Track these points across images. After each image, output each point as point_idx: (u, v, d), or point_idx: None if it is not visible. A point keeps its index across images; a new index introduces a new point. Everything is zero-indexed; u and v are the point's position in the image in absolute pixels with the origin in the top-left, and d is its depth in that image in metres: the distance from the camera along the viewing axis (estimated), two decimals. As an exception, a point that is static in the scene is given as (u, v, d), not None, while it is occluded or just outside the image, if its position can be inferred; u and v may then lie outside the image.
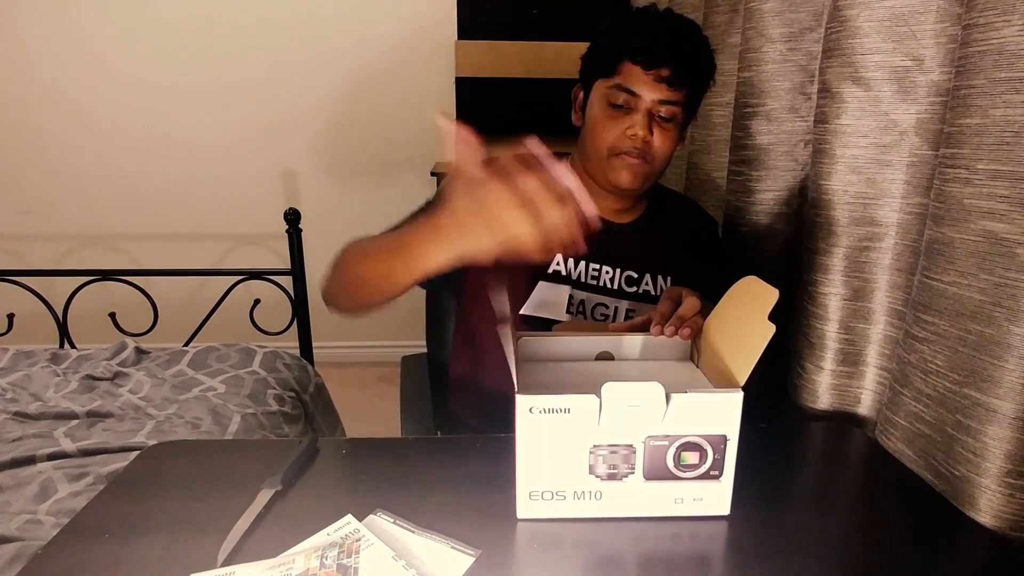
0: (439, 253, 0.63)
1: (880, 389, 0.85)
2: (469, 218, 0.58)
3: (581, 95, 0.96)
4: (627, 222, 0.99)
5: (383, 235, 0.80)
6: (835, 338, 0.87)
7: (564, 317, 0.94)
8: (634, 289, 0.97)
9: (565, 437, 0.59)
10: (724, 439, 0.60)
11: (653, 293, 0.97)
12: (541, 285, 0.94)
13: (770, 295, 0.62)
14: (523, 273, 0.94)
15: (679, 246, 1.01)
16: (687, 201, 1.12)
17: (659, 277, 0.98)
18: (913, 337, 0.72)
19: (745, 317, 0.65)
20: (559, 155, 1.05)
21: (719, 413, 0.59)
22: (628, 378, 0.63)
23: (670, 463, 0.61)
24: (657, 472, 0.61)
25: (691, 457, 0.61)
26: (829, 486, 0.73)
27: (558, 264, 0.95)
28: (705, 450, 0.60)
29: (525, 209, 0.55)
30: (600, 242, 0.95)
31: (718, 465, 0.61)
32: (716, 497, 0.62)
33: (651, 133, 0.88)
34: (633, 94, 0.87)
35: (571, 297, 0.94)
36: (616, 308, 0.96)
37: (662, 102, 0.87)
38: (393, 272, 0.70)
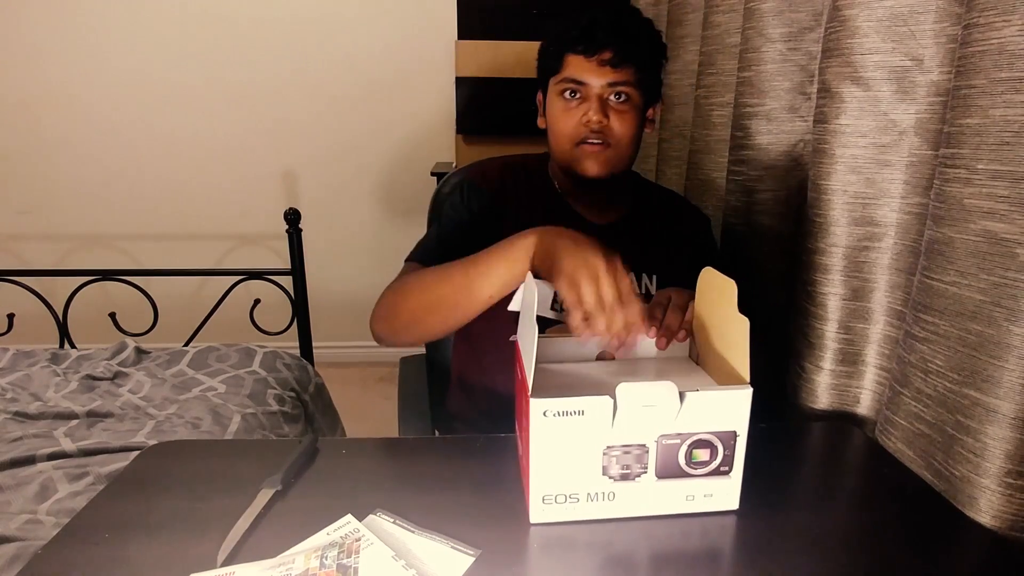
0: (520, 264, 0.73)
1: (880, 389, 0.85)
2: (564, 258, 0.68)
3: (542, 99, 0.99)
4: (608, 222, 1.00)
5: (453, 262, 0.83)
6: (835, 338, 0.87)
7: (549, 313, 0.95)
8: None
9: (579, 439, 0.59)
10: (734, 435, 0.61)
11: (637, 292, 0.97)
12: (527, 279, 0.94)
13: (729, 287, 0.63)
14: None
15: (664, 244, 1.00)
16: (673, 197, 1.11)
17: (643, 276, 0.98)
18: (913, 337, 0.72)
19: (720, 314, 0.66)
20: (543, 157, 1.08)
21: (730, 410, 0.60)
22: (633, 378, 0.63)
23: (682, 461, 0.61)
24: (669, 470, 0.61)
25: (702, 454, 0.61)
26: (829, 486, 0.73)
27: None
28: (716, 447, 0.61)
29: (601, 293, 0.65)
30: None
31: (728, 461, 0.62)
32: (726, 492, 0.63)
33: (607, 117, 0.89)
34: (581, 83, 0.89)
35: (556, 294, 0.95)
36: None
37: (611, 84, 0.89)
38: (473, 284, 0.77)
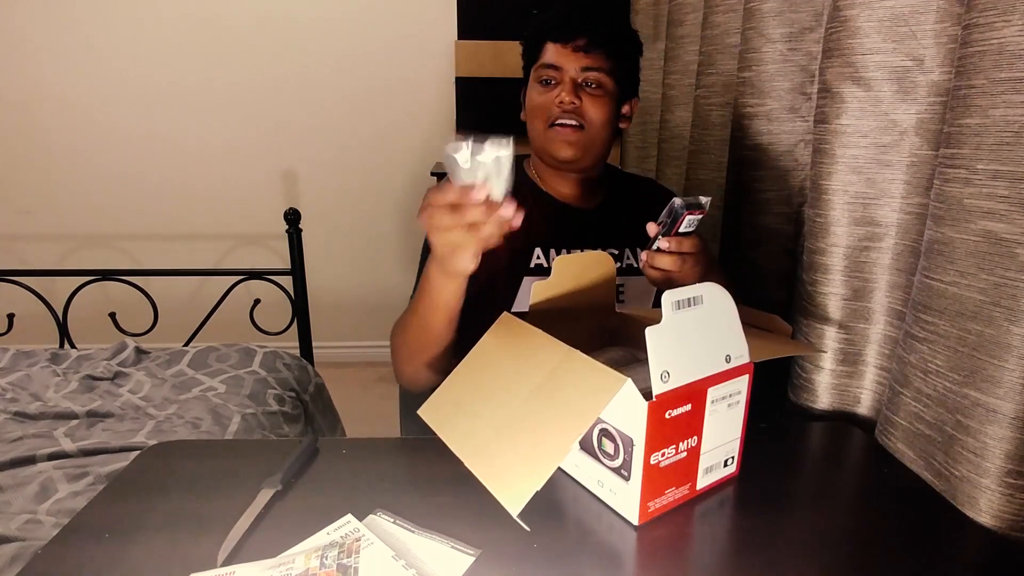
0: (444, 281, 0.75)
1: (880, 389, 0.85)
2: (437, 246, 0.69)
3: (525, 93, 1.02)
4: (594, 207, 1.04)
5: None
6: (835, 338, 0.87)
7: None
8: (619, 265, 1.01)
9: None
10: (631, 442, 0.58)
11: (635, 265, 1.02)
12: (526, 281, 0.96)
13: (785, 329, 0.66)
14: (504, 273, 0.98)
15: (645, 221, 1.03)
16: (647, 181, 1.17)
17: (638, 249, 1.02)
18: (913, 337, 0.72)
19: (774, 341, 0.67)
20: (520, 157, 1.10)
21: (628, 412, 0.58)
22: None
23: (595, 443, 0.62)
24: (586, 445, 0.62)
25: (608, 446, 0.61)
26: (829, 486, 0.73)
27: (539, 258, 0.98)
28: (618, 444, 0.60)
29: (457, 225, 0.64)
30: (572, 229, 1.00)
31: (627, 467, 0.60)
32: (626, 500, 0.61)
33: (579, 100, 0.93)
34: (556, 68, 0.94)
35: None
36: None
37: (585, 69, 0.93)
38: (427, 319, 0.80)
